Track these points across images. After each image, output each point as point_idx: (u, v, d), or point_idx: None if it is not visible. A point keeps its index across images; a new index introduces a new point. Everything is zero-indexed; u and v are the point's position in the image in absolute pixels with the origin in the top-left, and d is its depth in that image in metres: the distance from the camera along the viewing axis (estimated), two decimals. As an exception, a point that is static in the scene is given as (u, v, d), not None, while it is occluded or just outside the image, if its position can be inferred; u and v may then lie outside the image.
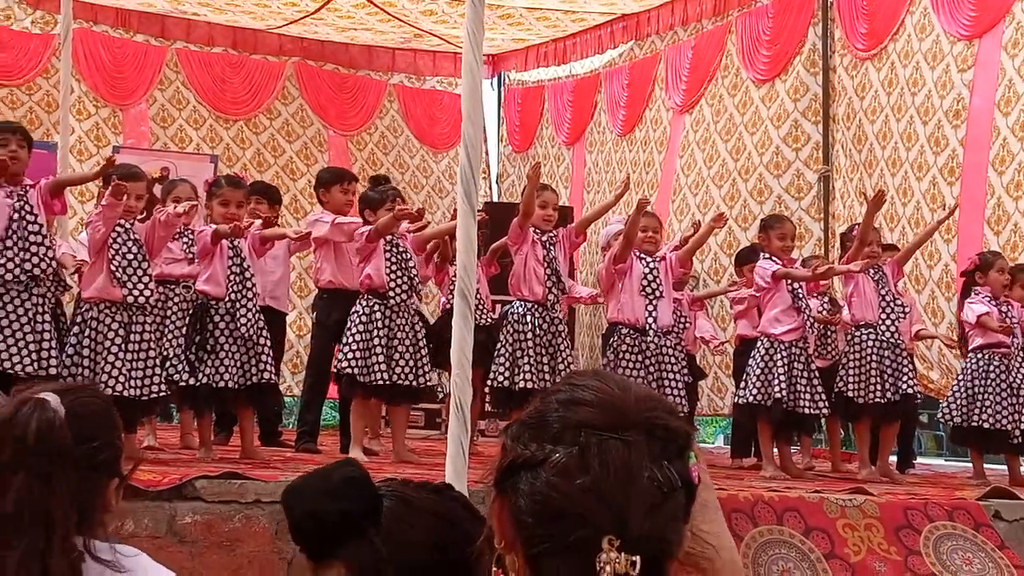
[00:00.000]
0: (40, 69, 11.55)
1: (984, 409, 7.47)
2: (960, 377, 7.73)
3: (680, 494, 1.22)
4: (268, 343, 6.61)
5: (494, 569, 1.27)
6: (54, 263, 6.02)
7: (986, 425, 7.46)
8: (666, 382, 7.30)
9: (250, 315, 6.46)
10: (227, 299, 6.43)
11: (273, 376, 6.63)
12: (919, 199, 9.38)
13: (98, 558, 1.96)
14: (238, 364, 6.41)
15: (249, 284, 6.51)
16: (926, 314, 9.26)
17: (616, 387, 1.27)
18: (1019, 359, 7.56)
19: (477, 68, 5.37)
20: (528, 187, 7.13)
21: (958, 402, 7.58)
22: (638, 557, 1.16)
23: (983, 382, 7.53)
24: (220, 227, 6.46)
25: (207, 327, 6.41)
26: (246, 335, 6.42)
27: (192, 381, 6.37)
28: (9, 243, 5.70)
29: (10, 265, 5.69)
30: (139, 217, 6.26)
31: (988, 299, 7.64)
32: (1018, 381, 7.49)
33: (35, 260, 5.76)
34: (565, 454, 1.20)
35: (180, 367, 6.41)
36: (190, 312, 7.12)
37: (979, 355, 7.61)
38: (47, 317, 5.85)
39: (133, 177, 6.23)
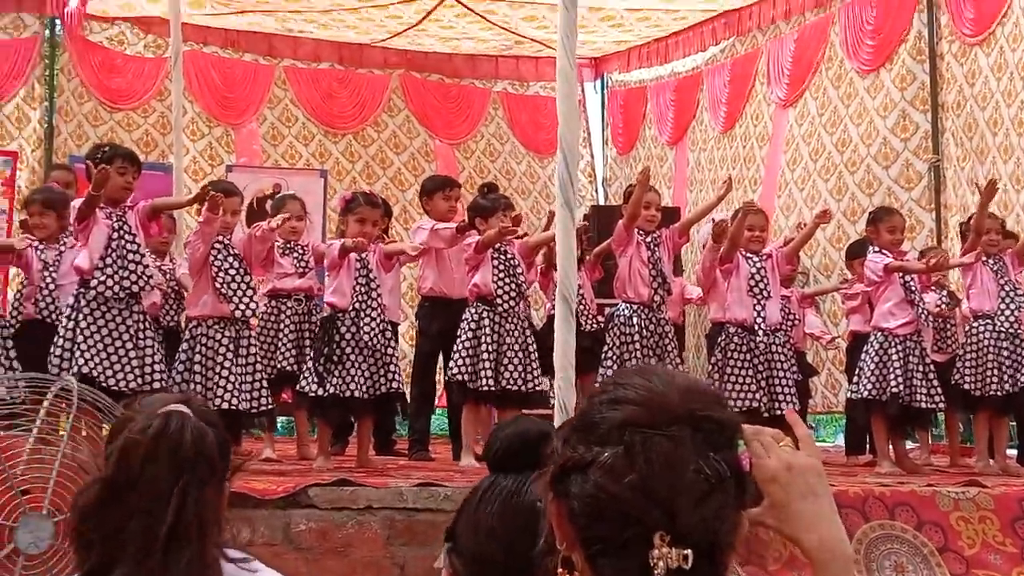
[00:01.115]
0: (154, 92, 11.88)
1: None
2: None
3: (730, 483, 1.24)
4: (395, 353, 6.75)
5: (560, 570, 1.29)
6: (152, 280, 6.20)
7: None
8: (776, 380, 7.26)
9: (374, 324, 6.60)
10: (351, 310, 6.57)
11: (401, 385, 6.76)
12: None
13: (230, 558, 2.05)
14: (365, 375, 6.54)
15: (375, 295, 6.66)
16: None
17: (660, 383, 1.28)
18: None
19: (571, 72, 5.44)
20: (637, 190, 7.15)
21: None
22: (690, 551, 1.18)
23: None
24: (346, 242, 6.62)
25: (334, 339, 6.56)
26: (372, 345, 6.56)
27: (320, 392, 6.52)
28: (109, 261, 5.91)
29: (110, 283, 5.89)
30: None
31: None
32: None
33: (133, 278, 5.96)
34: (611, 454, 1.22)
35: (310, 378, 6.56)
36: (304, 324, 7.31)
37: None
38: (149, 333, 6.03)
39: (227, 192, 6.42)
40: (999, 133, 9.51)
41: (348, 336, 6.56)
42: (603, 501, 1.21)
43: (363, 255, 6.71)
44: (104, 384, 5.64)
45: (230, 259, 6.34)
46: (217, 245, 6.32)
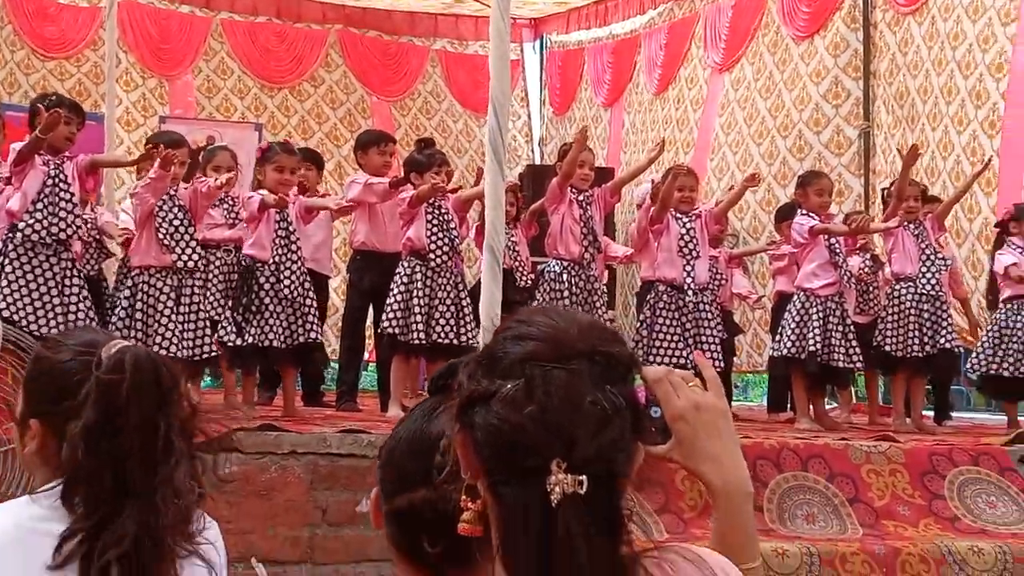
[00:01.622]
0: (88, 41, 11.74)
1: (1007, 357, 7.48)
2: (989, 328, 7.75)
3: (625, 415, 1.28)
4: (314, 304, 6.77)
5: (463, 498, 1.34)
6: (80, 230, 6.20)
7: (1006, 374, 7.48)
8: (702, 338, 7.37)
9: (294, 277, 6.62)
10: (271, 262, 6.60)
11: (319, 336, 6.80)
12: (959, 153, 9.35)
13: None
14: (284, 324, 6.58)
15: (294, 247, 6.68)
16: (966, 268, 9.24)
17: (561, 320, 1.33)
18: None
19: (504, 29, 5.49)
20: (573, 149, 7.22)
21: (985, 352, 7.60)
22: (585, 476, 1.23)
23: (1010, 331, 7.55)
24: (267, 197, 6.62)
25: (253, 289, 6.59)
26: (291, 296, 6.59)
27: (239, 341, 6.55)
28: (40, 206, 5.91)
29: (37, 227, 5.89)
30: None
31: (1020, 250, 7.62)
32: None
33: (62, 225, 5.97)
34: (513, 387, 1.26)
35: (228, 328, 6.59)
36: (232, 275, 7.32)
37: (1008, 305, 7.62)
38: (76, 281, 6.04)
39: (176, 144, 6.41)
40: (928, 101, 9.67)
41: (267, 287, 6.59)
42: (505, 431, 1.25)
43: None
44: (27, 328, 5.63)
45: (175, 210, 6.35)
46: (164, 196, 6.32)
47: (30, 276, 5.87)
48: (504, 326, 1.35)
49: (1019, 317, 7.56)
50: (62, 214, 5.96)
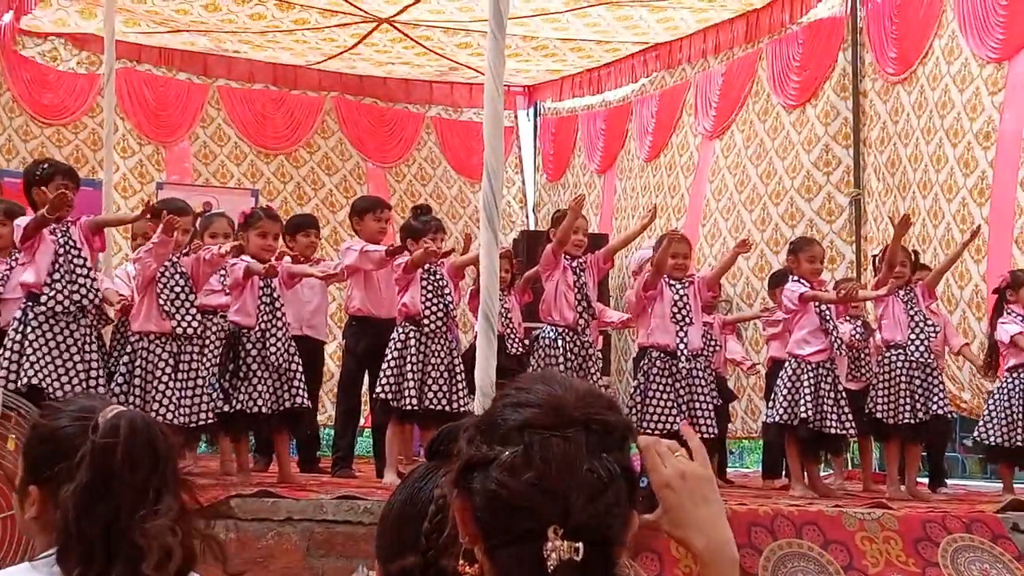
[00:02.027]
0: (86, 108, 11.85)
1: (1020, 428, 7.44)
2: (995, 397, 7.68)
3: (620, 483, 1.32)
4: (300, 370, 6.80)
5: (461, 563, 1.37)
6: (98, 295, 6.27)
7: (1020, 444, 7.44)
8: (696, 404, 7.39)
9: (280, 344, 6.67)
10: (257, 328, 6.65)
11: (306, 401, 6.81)
12: (949, 220, 9.42)
13: None
14: (271, 390, 6.61)
15: (279, 314, 6.74)
16: (958, 333, 9.26)
17: (559, 388, 1.37)
18: None
19: (498, 95, 5.56)
20: (569, 216, 7.29)
21: (993, 422, 7.56)
22: (581, 544, 1.26)
23: (1019, 401, 7.52)
24: (253, 265, 6.68)
25: (240, 356, 6.62)
26: (277, 362, 6.63)
27: (227, 408, 6.57)
28: (57, 276, 6.00)
29: (59, 297, 5.97)
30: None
31: (1020, 318, 7.64)
32: None
33: (82, 292, 6.06)
34: (512, 453, 1.30)
35: (215, 395, 6.61)
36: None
37: (1014, 374, 7.60)
38: (95, 346, 6.12)
39: (180, 212, 6.48)
40: (919, 169, 9.76)
41: (254, 353, 6.64)
42: (503, 497, 1.29)
43: None
44: (52, 395, 5.69)
45: (176, 276, 6.40)
46: (165, 262, 6.38)
47: (53, 344, 5.94)
48: (503, 393, 1.39)
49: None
50: (80, 280, 6.07)
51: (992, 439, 7.57)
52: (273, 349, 6.63)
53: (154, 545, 1.98)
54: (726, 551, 1.54)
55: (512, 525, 1.28)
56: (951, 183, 9.45)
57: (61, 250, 6.05)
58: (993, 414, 7.59)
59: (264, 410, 6.57)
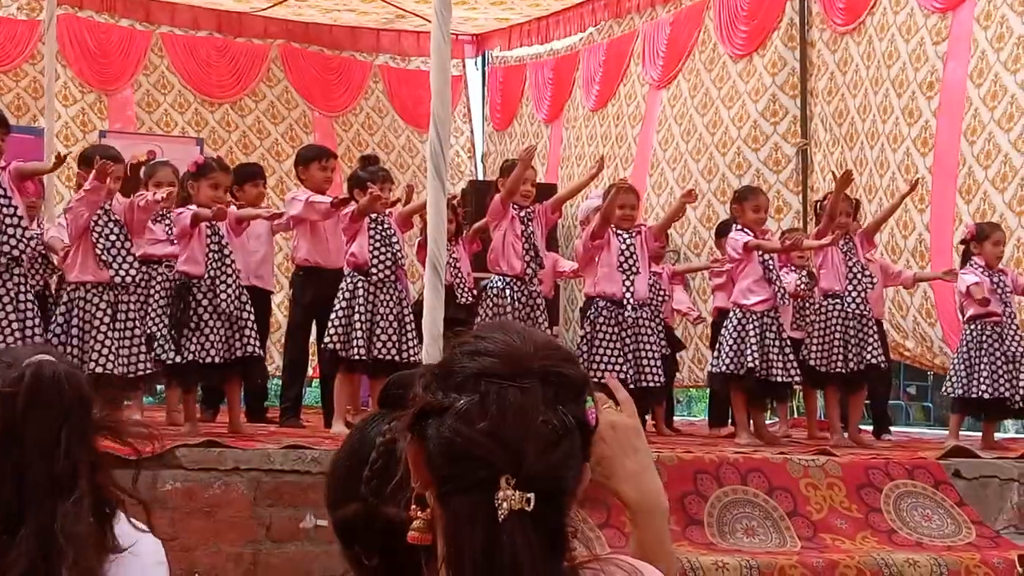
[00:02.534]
0: (26, 55, 11.64)
1: (983, 379, 7.50)
2: (959, 349, 7.74)
3: (575, 435, 1.32)
4: (252, 318, 6.75)
5: (413, 507, 1.37)
6: (32, 243, 6.15)
7: (986, 395, 7.49)
8: (643, 353, 7.43)
9: (230, 291, 6.60)
10: (207, 277, 6.58)
11: (258, 349, 6.77)
12: (894, 171, 9.50)
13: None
14: (222, 339, 6.56)
15: (228, 262, 6.66)
16: (901, 288, 9.37)
17: (517, 338, 1.36)
18: (1012, 327, 7.56)
19: (445, 44, 5.53)
20: (519, 167, 7.28)
21: (958, 374, 7.62)
22: (532, 494, 1.26)
23: (978, 352, 7.58)
24: (201, 211, 6.60)
25: (189, 305, 6.56)
26: (227, 311, 6.57)
27: (178, 359, 6.52)
28: None
29: None
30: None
31: (982, 269, 7.67)
32: (1012, 348, 7.50)
33: (12, 242, 5.89)
34: (467, 401, 1.30)
35: (166, 346, 6.56)
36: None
37: (973, 325, 7.63)
38: (30, 296, 5.98)
39: (113, 159, 6.37)
40: (867, 119, 9.83)
41: (205, 303, 6.56)
42: (457, 444, 1.28)
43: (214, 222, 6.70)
44: None
45: (111, 225, 6.29)
46: (98, 211, 6.28)
47: None
48: (460, 340, 1.38)
49: (984, 336, 7.57)
50: (9, 230, 5.90)
51: (956, 391, 7.63)
52: (224, 296, 6.57)
53: (74, 526, 1.94)
54: (657, 500, 1.59)
55: (465, 473, 1.28)
56: (896, 133, 9.53)
57: None
58: (957, 366, 7.65)
59: (216, 359, 6.52)
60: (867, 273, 7.75)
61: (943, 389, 8.04)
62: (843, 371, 7.60)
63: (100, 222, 6.26)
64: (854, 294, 7.66)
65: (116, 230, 6.30)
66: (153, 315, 7.17)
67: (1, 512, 1.97)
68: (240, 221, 7.03)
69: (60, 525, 1.93)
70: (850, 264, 7.70)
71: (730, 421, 8.48)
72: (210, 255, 6.61)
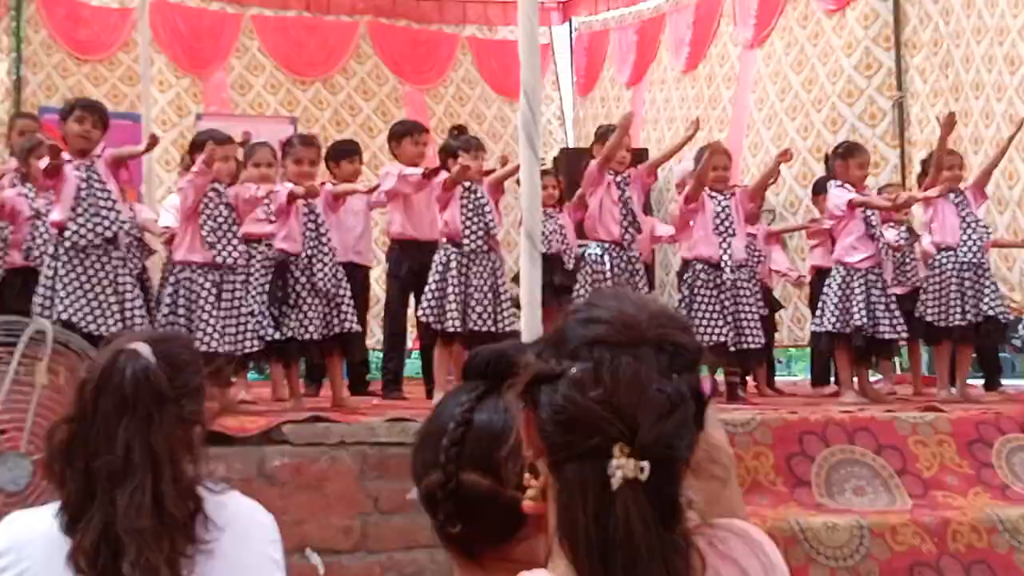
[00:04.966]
0: (120, 44, 11.81)
1: None
2: None
3: (689, 404, 1.30)
4: (348, 295, 6.81)
5: (527, 476, 1.36)
6: (126, 226, 6.27)
7: None
8: (742, 315, 7.39)
9: (327, 269, 6.66)
10: (303, 255, 6.65)
11: (355, 326, 6.82)
12: (999, 121, 9.30)
13: (209, 488, 2.12)
14: (320, 316, 6.62)
15: (324, 239, 6.71)
16: (1008, 235, 9.21)
17: (631, 306, 1.35)
18: None
19: (533, 14, 5.51)
20: (617, 133, 7.28)
21: None
22: (647, 463, 1.25)
23: None
24: (295, 188, 6.68)
25: (288, 283, 6.64)
26: (324, 288, 6.63)
27: (278, 335, 6.60)
28: (80, 210, 5.99)
29: (82, 231, 5.96)
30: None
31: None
32: None
33: (106, 223, 6.03)
34: (580, 369, 1.29)
35: (265, 323, 6.65)
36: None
37: None
38: (128, 278, 6.11)
39: (220, 141, 6.47)
40: (971, 70, 9.62)
41: (303, 280, 6.63)
42: (570, 412, 1.27)
43: (310, 199, 6.75)
44: (85, 329, 5.70)
45: (221, 207, 6.39)
46: (210, 192, 6.38)
47: (84, 278, 5.93)
48: (574, 308, 1.38)
49: None
50: (104, 212, 6.04)
51: None
52: (320, 275, 6.63)
53: (132, 545, 1.97)
54: (730, 451, 1.58)
55: (577, 441, 1.27)
56: (1000, 82, 9.32)
57: (84, 184, 6.04)
58: None
59: (315, 336, 6.59)
60: (981, 224, 7.62)
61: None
62: (961, 324, 7.47)
63: (211, 204, 6.37)
64: (969, 243, 7.53)
65: (226, 212, 6.40)
66: (254, 293, 7.28)
67: (74, 499, 2.03)
68: (336, 198, 7.09)
69: (121, 519, 1.97)
70: (963, 215, 7.57)
71: (833, 380, 8.38)
72: (307, 233, 6.67)
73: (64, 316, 5.77)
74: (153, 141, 6.47)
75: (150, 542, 1.97)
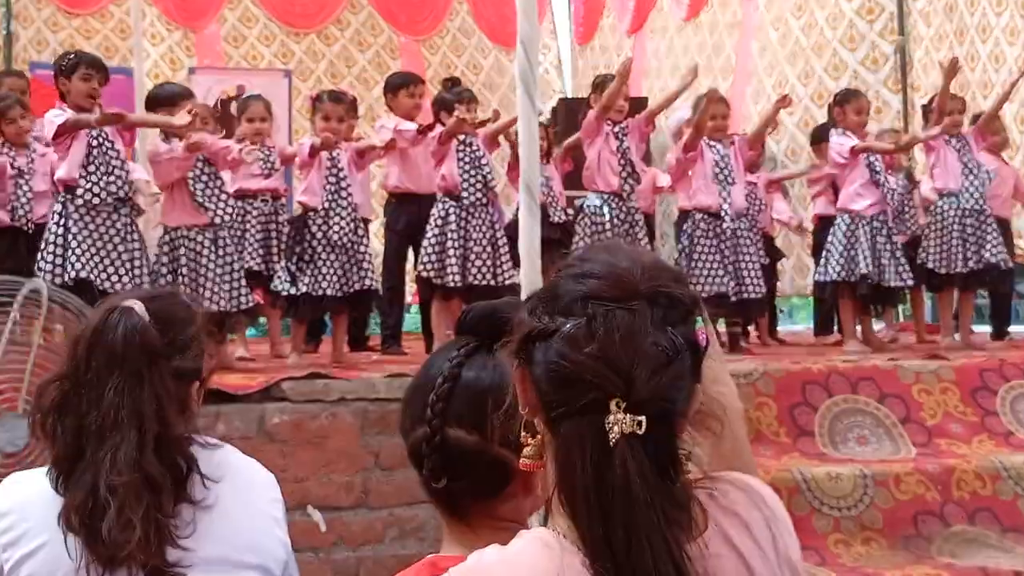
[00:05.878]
0: (112, -4, 11.72)
1: None
2: None
3: (685, 357, 1.28)
4: (367, 251, 6.78)
5: (523, 434, 1.35)
6: (131, 187, 6.23)
7: None
8: (743, 264, 7.34)
9: (344, 223, 6.62)
10: (321, 209, 6.60)
11: (375, 283, 6.80)
12: (1011, 66, 9.20)
13: (202, 443, 2.11)
14: (336, 272, 6.58)
15: (344, 194, 6.67)
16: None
17: (624, 260, 1.33)
18: None
19: (530, -39, 5.39)
20: (616, 82, 7.19)
21: None
22: (643, 417, 1.23)
23: None
24: (315, 140, 6.64)
25: (305, 238, 6.59)
26: (341, 243, 6.59)
27: (293, 290, 6.57)
28: (91, 168, 5.93)
29: (95, 189, 5.90)
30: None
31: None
32: None
33: (119, 183, 5.98)
34: (574, 325, 1.27)
35: (283, 277, 6.61)
36: (270, 224, 7.35)
37: None
38: (136, 236, 6.07)
39: (178, 97, 6.38)
40: (976, 13, 9.51)
41: (319, 235, 6.58)
42: (565, 368, 1.26)
43: (334, 154, 6.70)
44: (100, 287, 5.66)
45: (200, 165, 6.35)
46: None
47: (96, 235, 5.88)
48: (566, 263, 1.36)
49: None
50: (116, 171, 6.00)
51: None
52: (336, 228, 6.58)
53: (112, 501, 1.95)
54: (738, 404, 1.58)
55: (573, 397, 1.25)
56: (1013, 26, 9.21)
57: (95, 142, 5.98)
58: None
59: (330, 292, 6.55)
60: (984, 168, 7.54)
61: None
62: (963, 271, 7.42)
63: (194, 169, 6.32)
64: (971, 189, 7.46)
65: (208, 171, 6.36)
66: (249, 249, 7.23)
67: (64, 456, 2.02)
68: (361, 155, 7.06)
69: (104, 475, 1.96)
70: (964, 160, 7.50)
71: (836, 328, 8.34)
72: (328, 186, 6.64)
73: (82, 274, 5.74)
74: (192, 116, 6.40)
75: (131, 499, 1.94)
